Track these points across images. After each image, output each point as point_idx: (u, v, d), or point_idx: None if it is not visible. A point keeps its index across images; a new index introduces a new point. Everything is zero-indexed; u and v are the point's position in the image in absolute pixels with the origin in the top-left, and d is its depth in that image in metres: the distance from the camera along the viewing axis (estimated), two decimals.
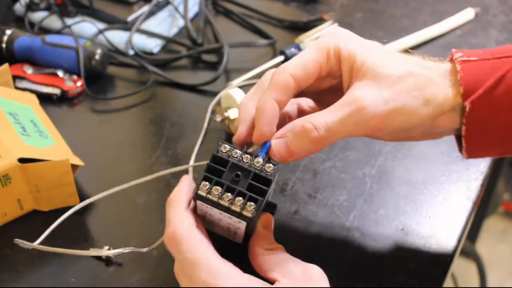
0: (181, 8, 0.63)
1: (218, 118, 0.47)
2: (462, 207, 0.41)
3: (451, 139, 0.47)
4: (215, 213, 0.30)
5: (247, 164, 0.30)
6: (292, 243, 0.38)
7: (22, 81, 0.53)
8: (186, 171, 0.43)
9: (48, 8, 0.62)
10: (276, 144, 0.30)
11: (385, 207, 0.41)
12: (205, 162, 0.32)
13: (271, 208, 0.33)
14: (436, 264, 0.37)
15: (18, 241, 0.33)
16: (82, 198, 0.41)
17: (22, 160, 0.39)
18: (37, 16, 0.62)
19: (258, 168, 0.30)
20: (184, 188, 0.31)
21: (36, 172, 0.39)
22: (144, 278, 0.36)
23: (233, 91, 0.46)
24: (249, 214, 0.29)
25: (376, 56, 0.30)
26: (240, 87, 0.51)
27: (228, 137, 0.48)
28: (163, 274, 0.36)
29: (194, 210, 0.31)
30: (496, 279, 1.12)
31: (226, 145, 0.31)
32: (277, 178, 0.32)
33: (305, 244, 0.38)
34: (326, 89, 0.33)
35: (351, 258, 0.38)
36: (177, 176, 0.42)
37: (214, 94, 0.50)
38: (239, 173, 0.30)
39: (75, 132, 0.49)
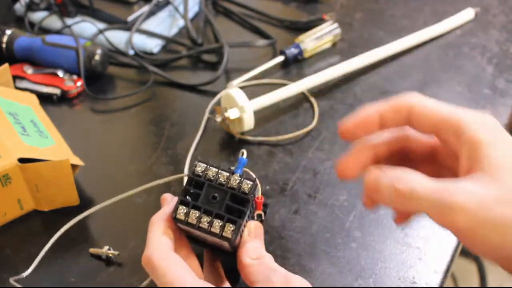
0: (181, 8, 0.63)
1: (218, 118, 0.46)
2: None
3: None
4: (198, 233, 0.30)
5: (224, 183, 0.30)
6: (292, 243, 0.38)
7: (22, 81, 0.53)
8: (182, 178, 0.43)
9: (48, 8, 0.62)
10: (373, 170, 0.26)
11: (385, 207, 0.41)
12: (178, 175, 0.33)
13: (263, 207, 0.33)
14: (436, 264, 0.37)
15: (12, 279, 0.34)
16: (82, 198, 0.41)
17: (22, 160, 0.38)
18: (37, 16, 0.62)
19: (235, 187, 0.30)
20: (166, 209, 0.31)
21: (36, 172, 0.39)
22: (144, 278, 0.36)
23: (233, 91, 0.46)
24: (228, 236, 0.29)
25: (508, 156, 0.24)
26: (241, 87, 0.51)
27: (228, 138, 0.48)
28: None
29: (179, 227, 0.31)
30: (496, 279, 1.12)
31: (202, 164, 0.30)
32: (260, 191, 0.31)
33: (305, 244, 0.38)
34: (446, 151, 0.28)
35: (351, 258, 0.38)
36: (179, 178, 0.42)
37: (214, 94, 0.50)
38: (216, 194, 0.29)
39: (75, 132, 0.49)
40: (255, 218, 0.33)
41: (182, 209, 0.29)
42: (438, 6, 0.64)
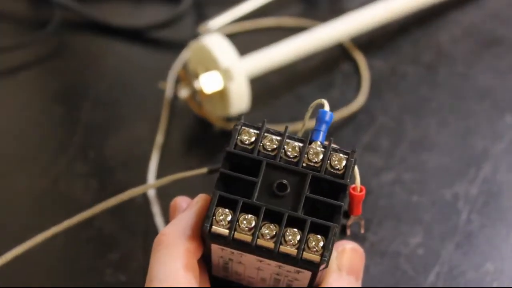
0: None
1: (183, 92, 0.46)
2: None
3: None
4: (249, 261, 0.30)
5: (296, 159, 0.30)
6: None
7: None
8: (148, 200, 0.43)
9: None
10: None
11: (496, 258, 0.41)
12: (197, 172, 0.32)
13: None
14: None
15: None
16: None
17: None
18: None
19: (318, 164, 0.30)
20: (187, 217, 0.31)
21: None
22: None
23: (210, 42, 0.46)
24: (316, 258, 0.28)
25: None
26: (225, 34, 0.51)
27: (201, 127, 0.48)
28: None
29: (203, 255, 0.31)
30: None
31: (251, 130, 0.30)
32: (358, 175, 0.31)
33: None
34: None
35: None
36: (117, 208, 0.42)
37: (176, 46, 0.50)
38: (284, 181, 0.29)
39: None
40: (346, 231, 0.33)
41: (223, 215, 0.29)
42: None
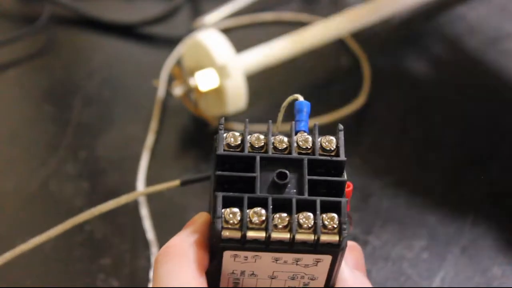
0: None
1: (178, 90, 0.46)
2: None
3: None
4: (264, 266, 0.30)
5: (287, 151, 0.31)
6: None
7: None
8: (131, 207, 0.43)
9: None
10: None
11: (503, 262, 0.41)
12: (169, 185, 0.32)
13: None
14: None
15: None
16: None
17: None
18: None
19: (310, 150, 0.31)
20: (194, 231, 0.31)
21: None
22: None
23: (206, 37, 0.46)
24: (334, 238, 0.29)
25: None
26: (221, 29, 0.51)
27: (196, 126, 0.48)
28: None
29: (212, 273, 0.31)
30: None
31: (235, 132, 0.31)
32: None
33: None
34: None
35: None
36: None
37: (170, 42, 0.50)
38: (284, 171, 0.30)
39: None
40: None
41: (231, 214, 0.29)
42: None
